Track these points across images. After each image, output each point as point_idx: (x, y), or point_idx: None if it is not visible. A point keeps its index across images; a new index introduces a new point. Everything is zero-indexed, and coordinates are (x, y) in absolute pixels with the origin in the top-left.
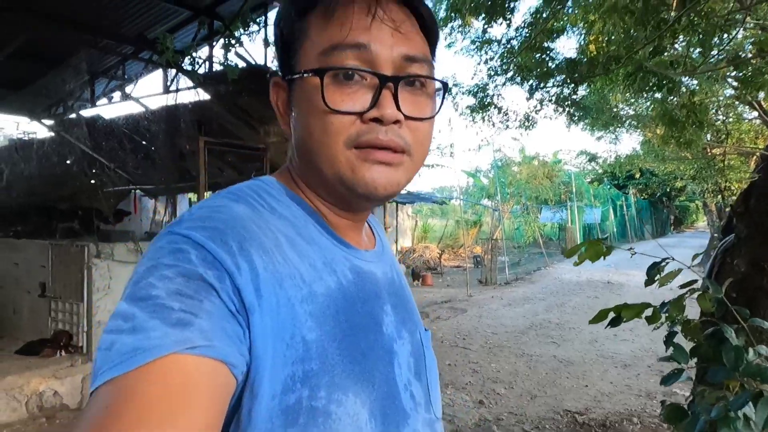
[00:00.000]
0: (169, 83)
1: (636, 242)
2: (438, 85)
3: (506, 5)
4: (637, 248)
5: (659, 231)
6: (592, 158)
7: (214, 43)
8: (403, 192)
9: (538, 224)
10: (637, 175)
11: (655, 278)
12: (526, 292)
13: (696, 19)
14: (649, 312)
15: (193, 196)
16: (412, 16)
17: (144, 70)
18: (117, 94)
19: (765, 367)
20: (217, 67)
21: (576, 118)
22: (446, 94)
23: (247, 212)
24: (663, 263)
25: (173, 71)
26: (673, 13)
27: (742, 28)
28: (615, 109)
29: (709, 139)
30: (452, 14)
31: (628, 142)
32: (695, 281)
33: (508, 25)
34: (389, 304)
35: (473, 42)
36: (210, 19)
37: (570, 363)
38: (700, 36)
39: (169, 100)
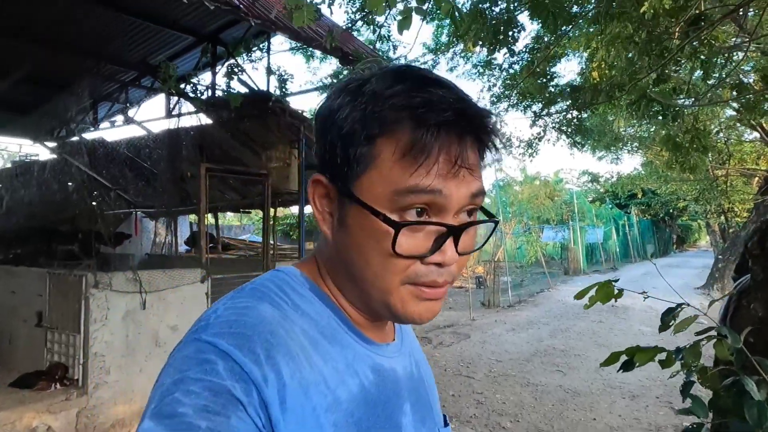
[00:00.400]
0: (171, 108)
1: (639, 262)
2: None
3: (509, 35)
4: (641, 268)
5: (662, 250)
6: (594, 178)
7: (217, 69)
8: None
9: (540, 244)
10: (639, 195)
11: (670, 324)
12: (530, 316)
13: (699, 47)
14: (662, 356)
15: (193, 217)
16: (478, 147)
17: (147, 94)
18: (119, 118)
19: None
20: (219, 93)
21: (579, 143)
22: (495, 230)
23: (273, 314)
24: (678, 309)
25: (176, 96)
26: (676, 42)
27: (745, 54)
28: (616, 131)
29: (711, 160)
30: (454, 39)
31: (630, 162)
32: (711, 329)
33: (512, 54)
34: (409, 402)
35: (475, 66)
36: (213, 46)
37: (577, 393)
38: (704, 64)
39: (171, 124)
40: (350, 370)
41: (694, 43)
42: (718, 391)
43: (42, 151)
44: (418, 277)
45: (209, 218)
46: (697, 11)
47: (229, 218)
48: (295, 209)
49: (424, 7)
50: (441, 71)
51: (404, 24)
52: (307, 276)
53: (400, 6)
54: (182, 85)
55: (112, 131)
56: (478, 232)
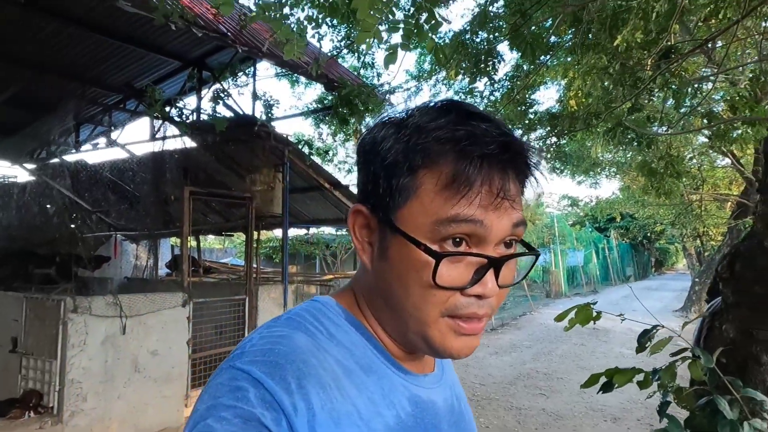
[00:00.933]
0: (156, 131)
1: (619, 285)
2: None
3: (489, 65)
4: (621, 291)
5: (641, 273)
6: (574, 202)
7: (203, 93)
8: None
9: (521, 265)
10: (618, 219)
11: (646, 346)
12: (513, 339)
13: (670, 78)
14: (640, 377)
15: (175, 240)
16: (519, 179)
17: (130, 117)
18: (102, 140)
19: None
20: (205, 117)
21: (558, 169)
22: (536, 262)
23: (307, 343)
24: (653, 331)
25: (161, 120)
26: (649, 73)
27: (714, 84)
28: (594, 157)
29: (686, 185)
30: (437, 67)
31: (609, 187)
32: (685, 349)
33: (492, 83)
34: None
35: (457, 93)
36: (199, 70)
37: (559, 417)
38: (675, 94)
39: (155, 147)
40: (386, 401)
41: (666, 75)
42: (693, 411)
43: (21, 173)
44: (457, 309)
45: (191, 241)
46: (668, 44)
47: (210, 241)
48: (278, 232)
49: (410, 44)
50: (424, 97)
51: (390, 59)
52: (344, 306)
53: (387, 37)
54: (167, 109)
55: (95, 154)
56: (519, 264)
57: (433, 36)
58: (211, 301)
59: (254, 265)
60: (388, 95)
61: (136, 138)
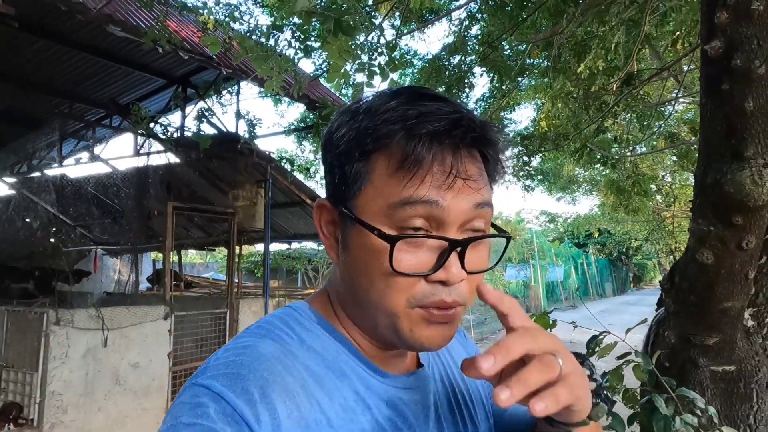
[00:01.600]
0: (140, 146)
1: (598, 300)
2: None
3: (461, 91)
4: (599, 305)
5: (619, 288)
6: (553, 219)
7: (187, 111)
8: None
9: (503, 282)
10: (596, 235)
11: (595, 351)
12: (487, 345)
13: (632, 102)
14: None
15: (156, 255)
16: (482, 160)
17: (114, 132)
18: (85, 155)
19: None
20: (189, 134)
21: (531, 188)
22: (508, 245)
23: (273, 350)
24: (601, 336)
25: (146, 137)
26: (613, 97)
27: (677, 104)
28: (566, 175)
29: (658, 202)
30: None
31: (586, 203)
32: (629, 353)
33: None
34: None
35: None
36: (184, 88)
37: None
38: (638, 117)
39: (139, 162)
40: (361, 405)
41: (629, 99)
42: (635, 409)
43: (2, 187)
44: (424, 297)
45: (172, 256)
46: (630, 70)
47: (191, 256)
48: (259, 247)
49: (374, 82)
50: None
51: (357, 95)
52: (317, 310)
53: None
54: (151, 125)
55: (77, 168)
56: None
57: (393, 76)
58: (192, 314)
59: (235, 280)
60: None
61: (119, 153)
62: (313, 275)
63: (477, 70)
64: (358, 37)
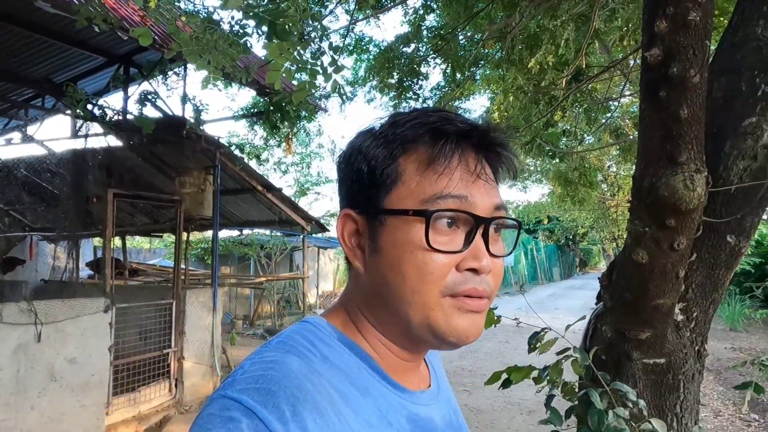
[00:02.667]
0: (78, 128)
1: (547, 284)
2: (514, 223)
3: (413, 83)
4: (547, 290)
5: (566, 273)
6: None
7: (130, 92)
8: (324, 236)
9: None
10: (545, 222)
11: (536, 346)
12: None
13: (580, 97)
14: (535, 374)
15: (98, 241)
16: (493, 171)
17: (47, 114)
18: (17, 135)
19: (621, 428)
20: (131, 116)
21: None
22: (519, 233)
23: (300, 367)
24: (543, 332)
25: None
26: (562, 92)
27: (619, 103)
28: (521, 164)
29: (605, 191)
30: (371, 76)
31: (537, 191)
32: (568, 348)
33: (416, 100)
34: None
35: (392, 99)
36: (126, 68)
37: (480, 411)
38: (586, 111)
39: (77, 145)
40: (384, 421)
41: (576, 94)
42: (573, 402)
43: None
44: (456, 285)
45: (115, 242)
46: (578, 66)
47: (138, 241)
48: (209, 233)
49: (317, 82)
50: (359, 103)
51: (300, 95)
52: (336, 326)
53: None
54: (90, 106)
55: (8, 149)
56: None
57: (336, 77)
58: (135, 306)
59: (183, 268)
60: (321, 101)
61: (57, 134)
62: (265, 262)
63: (433, 60)
64: (295, 35)
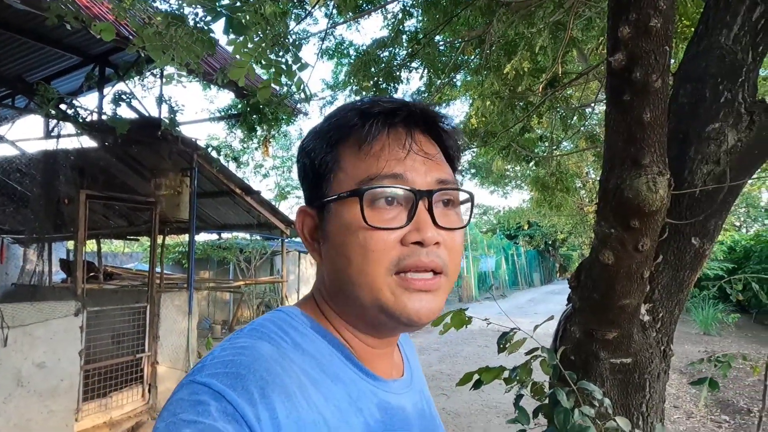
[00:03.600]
0: (51, 128)
1: (527, 289)
2: (466, 196)
3: (390, 87)
4: (527, 294)
5: (546, 278)
6: (485, 211)
7: (106, 92)
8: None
9: None
10: (526, 227)
11: (506, 346)
12: (423, 342)
13: (556, 103)
14: (506, 374)
15: (71, 244)
16: (439, 148)
17: (19, 113)
18: None
19: (586, 426)
20: (106, 117)
21: (461, 183)
22: (473, 205)
23: (271, 352)
24: (512, 332)
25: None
26: (538, 97)
27: (599, 105)
28: (500, 170)
29: (581, 197)
30: (350, 79)
31: (517, 197)
32: (537, 349)
33: None
34: None
35: None
36: (101, 68)
37: (457, 415)
38: (562, 117)
39: (49, 145)
40: (354, 408)
41: (552, 100)
42: (542, 401)
43: None
44: (400, 260)
45: (91, 245)
46: (554, 73)
47: (115, 245)
48: (187, 237)
49: (282, 79)
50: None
51: (264, 93)
52: (308, 314)
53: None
54: (63, 106)
55: None
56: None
57: (301, 75)
58: (108, 309)
59: (158, 272)
60: (300, 104)
61: (27, 134)
62: (245, 266)
63: (412, 64)
64: (259, 33)
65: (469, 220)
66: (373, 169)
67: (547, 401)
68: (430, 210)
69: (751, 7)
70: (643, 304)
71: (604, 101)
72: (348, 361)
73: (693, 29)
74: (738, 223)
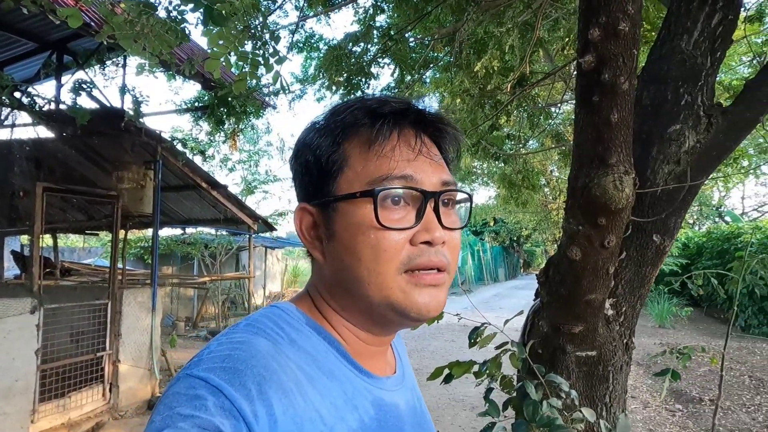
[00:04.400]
0: (4, 117)
1: (492, 284)
2: (463, 196)
3: (361, 82)
4: (492, 290)
5: (511, 273)
6: None
7: (64, 80)
8: (272, 236)
9: None
10: (492, 224)
11: (476, 341)
12: None
13: (524, 102)
14: (476, 368)
15: (26, 239)
16: (439, 150)
17: None
18: None
19: (554, 417)
20: (65, 106)
21: None
22: (471, 204)
23: (268, 348)
24: (482, 327)
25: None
26: (507, 96)
27: (565, 105)
28: (468, 166)
29: (545, 195)
30: (320, 74)
31: (484, 193)
32: (506, 343)
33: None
34: None
35: (341, 98)
36: (60, 55)
37: None
38: (529, 116)
39: (2, 135)
40: (349, 405)
41: (520, 99)
42: (511, 394)
43: None
44: (411, 260)
45: (46, 240)
46: (522, 72)
47: (72, 239)
48: (150, 232)
49: (258, 72)
50: (309, 102)
51: (240, 86)
52: (304, 311)
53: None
54: (18, 94)
55: None
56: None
57: (278, 68)
58: (67, 306)
59: (120, 267)
60: (269, 97)
61: None
62: (210, 262)
63: (383, 60)
64: (238, 24)
65: (468, 220)
66: (383, 169)
67: (516, 394)
68: (436, 210)
69: (710, 14)
70: (608, 299)
71: (570, 101)
72: (343, 358)
73: (654, 34)
74: (692, 221)
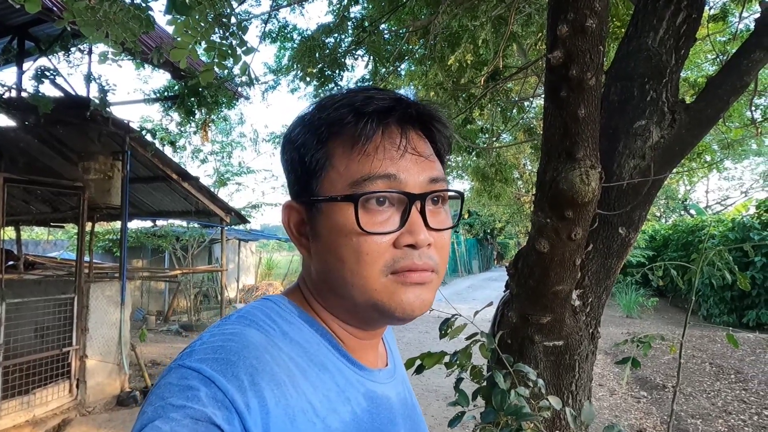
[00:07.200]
0: None
1: (466, 276)
2: (453, 194)
3: (335, 74)
4: (466, 281)
5: (485, 266)
6: None
7: (25, 67)
8: (245, 228)
9: None
10: (466, 216)
11: (447, 332)
12: None
13: (496, 96)
14: (447, 359)
15: None
16: (429, 143)
17: None
18: None
19: (521, 406)
20: (26, 94)
21: None
22: (462, 202)
23: (260, 339)
24: (453, 318)
25: None
26: (480, 90)
27: (537, 99)
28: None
29: (520, 187)
30: (293, 65)
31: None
32: (476, 334)
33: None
34: (404, 430)
35: (315, 89)
36: (21, 40)
37: None
38: (502, 110)
39: None
40: (342, 397)
41: (493, 93)
42: (480, 384)
43: None
44: (395, 262)
45: (8, 232)
46: (495, 66)
47: (36, 232)
48: (118, 224)
49: (226, 63)
50: (283, 92)
51: (207, 76)
52: (296, 303)
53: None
54: None
55: None
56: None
57: (246, 59)
58: (31, 301)
59: (87, 261)
60: (242, 88)
61: None
62: (182, 255)
63: (357, 52)
64: (209, 13)
65: (459, 219)
66: (366, 169)
67: (485, 384)
68: (422, 212)
69: (675, 13)
70: (575, 290)
71: (542, 96)
72: (335, 350)
73: (623, 30)
74: (658, 214)
